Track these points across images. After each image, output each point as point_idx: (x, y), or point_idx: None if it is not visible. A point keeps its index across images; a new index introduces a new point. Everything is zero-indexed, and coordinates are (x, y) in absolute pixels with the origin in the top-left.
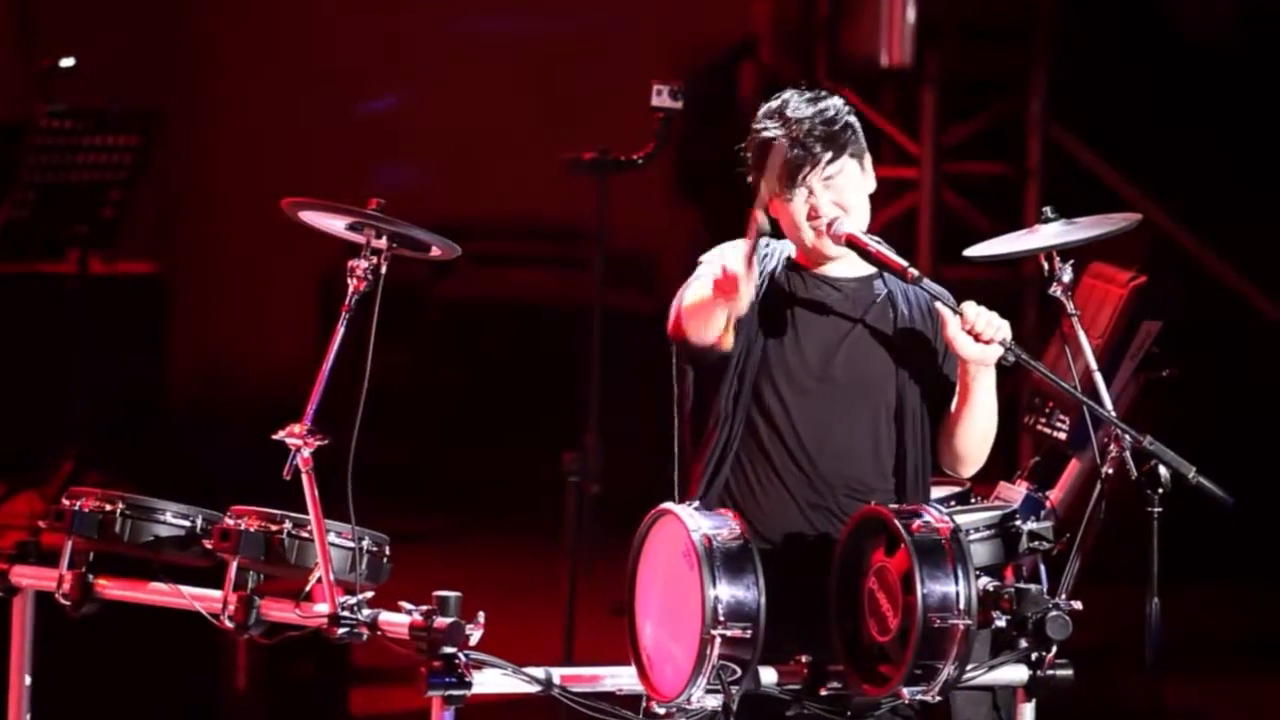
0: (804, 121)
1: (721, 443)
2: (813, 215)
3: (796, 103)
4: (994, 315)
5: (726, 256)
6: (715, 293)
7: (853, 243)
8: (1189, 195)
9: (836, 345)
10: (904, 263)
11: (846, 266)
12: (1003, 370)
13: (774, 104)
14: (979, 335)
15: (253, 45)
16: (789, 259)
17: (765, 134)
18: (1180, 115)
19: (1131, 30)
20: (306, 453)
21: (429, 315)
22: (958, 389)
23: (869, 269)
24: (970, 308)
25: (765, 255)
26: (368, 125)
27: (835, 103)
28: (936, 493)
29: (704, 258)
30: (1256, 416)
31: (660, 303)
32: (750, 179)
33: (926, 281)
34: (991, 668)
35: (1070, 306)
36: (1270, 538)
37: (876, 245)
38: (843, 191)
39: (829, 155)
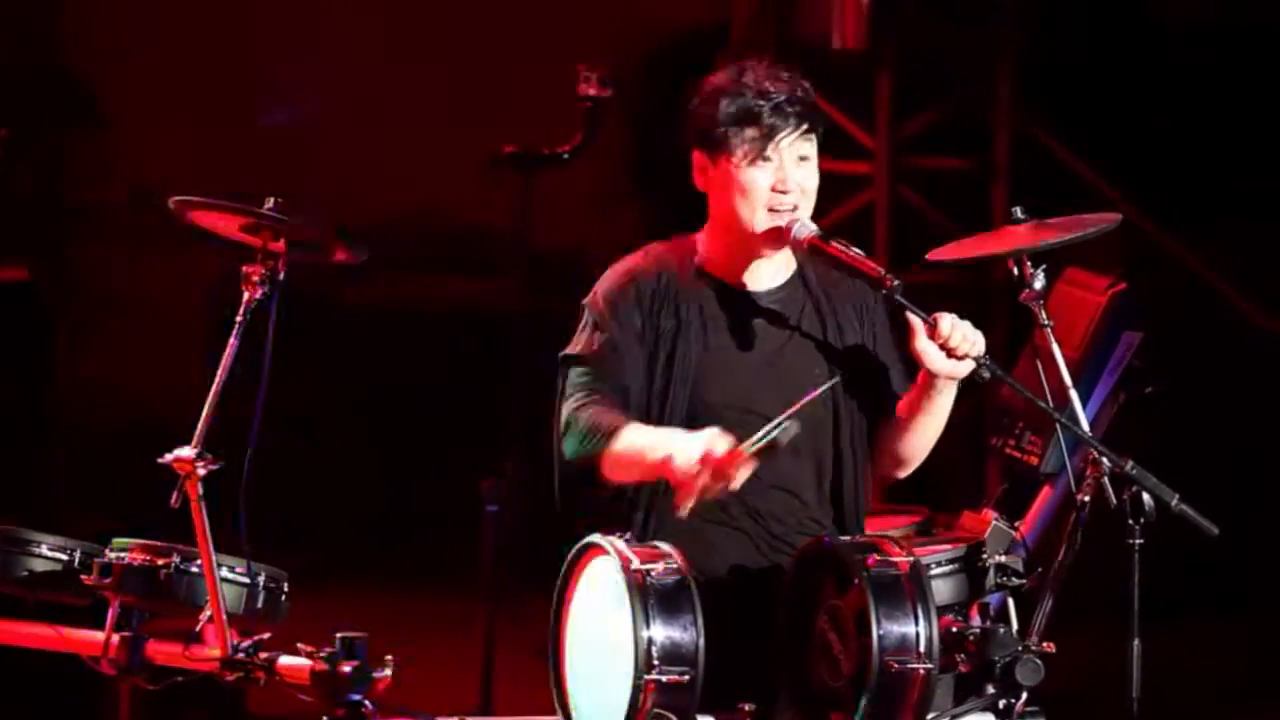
0: (786, 87)
1: (648, 493)
2: (777, 189)
3: (770, 70)
4: (969, 327)
5: (715, 441)
6: (694, 468)
7: (818, 248)
8: (1173, 193)
9: (769, 369)
10: (880, 269)
11: (766, 273)
12: (967, 387)
13: (741, 66)
14: (953, 350)
15: (140, 36)
16: (699, 271)
17: (738, 90)
18: (1163, 105)
19: (1108, 11)
20: (197, 478)
21: (332, 326)
22: (914, 398)
23: (790, 271)
24: (945, 320)
25: (665, 281)
26: (265, 120)
27: (805, 82)
28: (895, 522)
29: (592, 310)
30: (1249, 436)
31: None
32: (695, 139)
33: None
34: (955, 717)
35: (1043, 316)
36: (1263, 569)
37: (846, 250)
38: (808, 176)
39: (804, 128)
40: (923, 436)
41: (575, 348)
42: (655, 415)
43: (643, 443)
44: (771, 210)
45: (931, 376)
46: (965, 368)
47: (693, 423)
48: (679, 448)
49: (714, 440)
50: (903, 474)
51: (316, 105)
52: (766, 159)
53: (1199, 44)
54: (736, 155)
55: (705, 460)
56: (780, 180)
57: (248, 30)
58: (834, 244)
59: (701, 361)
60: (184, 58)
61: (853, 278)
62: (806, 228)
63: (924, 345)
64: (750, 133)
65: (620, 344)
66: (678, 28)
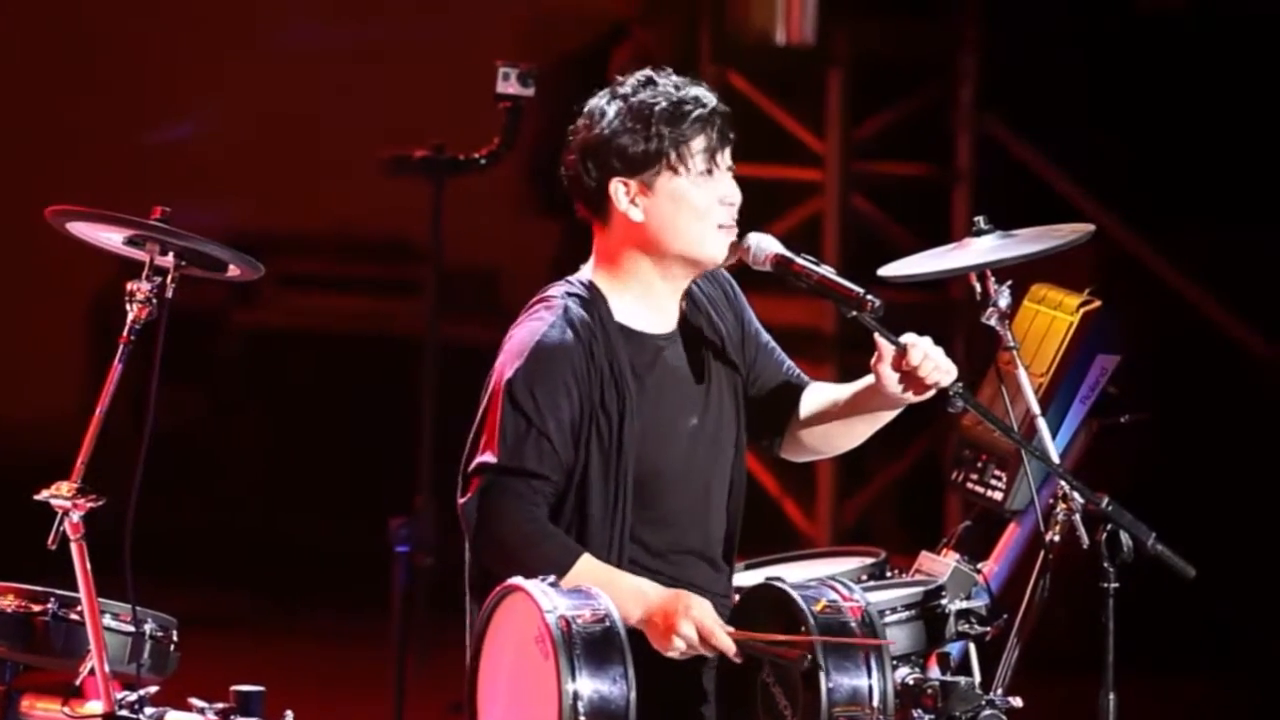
0: (710, 97)
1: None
2: (725, 202)
3: (680, 79)
4: (941, 356)
5: (705, 618)
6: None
7: (785, 266)
8: (1151, 201)
9: (702, 423)
10: (858, 289)
11: (672, 309)
12: (928, 415)
13: (647, 76)
14: (920, 380)
15: (17, 38)
16: (619, 326)
17: (677, 101)
18: (1140, 105)
19: (1078, 2)
20: (76, 516)
21: (226, 349)
22: (851, 402)
23: (675, 308)
24: (916, 350)
25: (595, 350)
26: (153, 129)
27: None
28: (845, 564)
29: (517, 400)
30: (1235, 470)
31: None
32: (621, 166)
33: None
34: None
35: (1008, 337)
36: (1251, 618)
37: (815, 268)
38: (737, 188)
39: (730, 140)
40: (848, 442)
41: (504, 455)
42: (606, 496)
43: (621, 607)
44: (721, 227)
45: (882, 396)
46: (923, 397)
47: (638, 494)
48: (683, 633)
49: (717, 636)
50: (800, 459)
51: (210, 110)
52: (712, 172)
53: (1174, 36)
54: (686, 171)
55: (697, 645)
56: (727, 193)
57: (143, 37)
58: (801, 261)
59: (645, 434)
60: (73, 66)
61: (824, 298)
62: (766, 244)
63: (885, 369)
64: (698, 143)
65: (557, 442)
66: (604, 20)
